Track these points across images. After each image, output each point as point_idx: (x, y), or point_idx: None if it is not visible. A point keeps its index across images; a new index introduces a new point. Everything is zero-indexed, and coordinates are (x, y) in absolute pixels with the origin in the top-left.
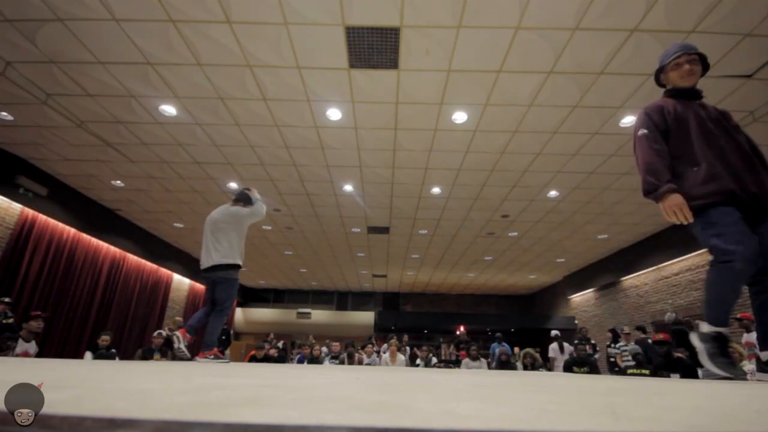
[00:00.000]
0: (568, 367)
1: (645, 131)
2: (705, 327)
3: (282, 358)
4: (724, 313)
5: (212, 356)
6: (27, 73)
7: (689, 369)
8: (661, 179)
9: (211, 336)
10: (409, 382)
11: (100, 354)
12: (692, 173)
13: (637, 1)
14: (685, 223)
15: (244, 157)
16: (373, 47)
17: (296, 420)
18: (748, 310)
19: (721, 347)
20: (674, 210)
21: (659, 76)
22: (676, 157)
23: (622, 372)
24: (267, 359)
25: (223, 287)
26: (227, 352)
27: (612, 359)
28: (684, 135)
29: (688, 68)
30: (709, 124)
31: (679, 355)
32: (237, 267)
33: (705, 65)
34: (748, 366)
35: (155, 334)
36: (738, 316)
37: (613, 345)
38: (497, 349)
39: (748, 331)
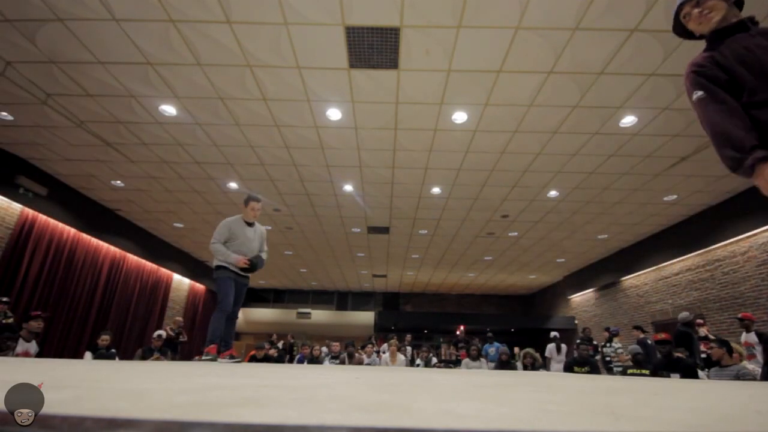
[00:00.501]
0: (568, 367)
1: (701, 93)
2: None
3: (281, 357)
4: None
5: (211, 354)
6: (27, 73)
7: (689, 369)
8: (744, 147)
9: (209, 334)
10: (409, 382)
11: (100, 354)
12: None
13: (637, 1)
14: None
15: (244, 157)
16: (373, 47)
17: (296, 420)
18: (748, 309)
19: None
20: None
21: (683, 32)
22: (760, 104)
23: (623, 372)
24: (267, 359)
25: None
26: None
27: (607, 359)
28: (759, 73)
29: (698, 12)
30: None
31: (679, 355)
32: (217, 267)
33: None
34: (749, 366)
35: (155, 336)
36: (739, 316)
37: (608, 345)
38: (489, 349)
39: (748, 330)
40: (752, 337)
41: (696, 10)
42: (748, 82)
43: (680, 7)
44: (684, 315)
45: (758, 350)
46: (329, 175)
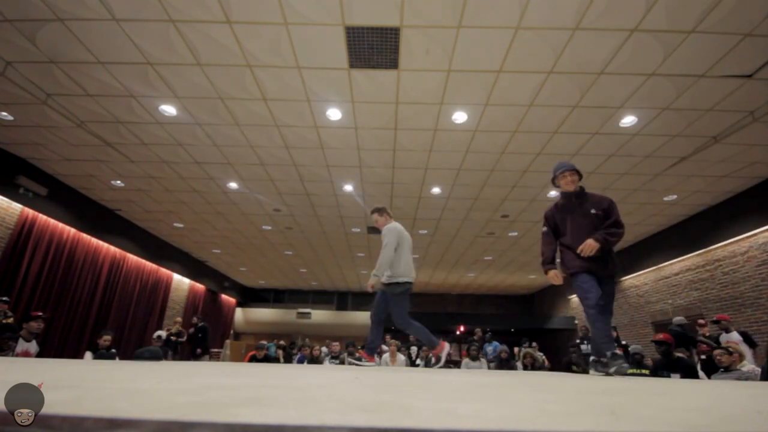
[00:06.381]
0: (567, 367)
1: (544, 228)
2: None
3: (286, 358)
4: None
5: None
6: (27, 73)
7: (689, 369)
8: (546, 261)
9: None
10: (409, 382)
11: (101, 354)
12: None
13: (637, 1)
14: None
15: (244, 157)
16: (373, 47)
17: (296, 420)
18: (748, 310)
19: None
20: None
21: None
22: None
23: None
24: (267, 359)
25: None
26: (227, 351)
27: None
28: (564, 226)
29: (570, 179)
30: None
31: (680, 355)
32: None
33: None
34: (748, 366)
35: (155, 336)
36: (714, 318)
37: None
38: (488, 348)
39: (728, 331)
40: (735, 336)
41: (569, 177)
42: (561, 230)
43: (562, 171)
44: (679, 318)
45: (745, 348)
46: (329, 175)
